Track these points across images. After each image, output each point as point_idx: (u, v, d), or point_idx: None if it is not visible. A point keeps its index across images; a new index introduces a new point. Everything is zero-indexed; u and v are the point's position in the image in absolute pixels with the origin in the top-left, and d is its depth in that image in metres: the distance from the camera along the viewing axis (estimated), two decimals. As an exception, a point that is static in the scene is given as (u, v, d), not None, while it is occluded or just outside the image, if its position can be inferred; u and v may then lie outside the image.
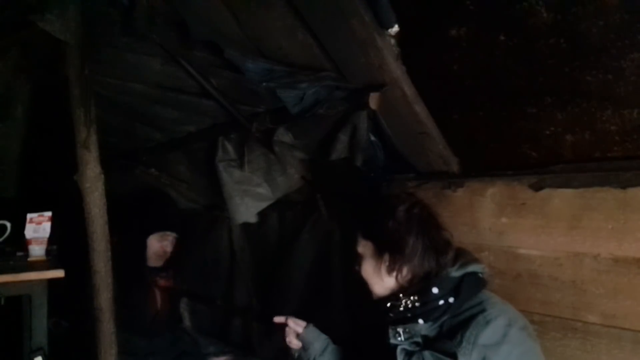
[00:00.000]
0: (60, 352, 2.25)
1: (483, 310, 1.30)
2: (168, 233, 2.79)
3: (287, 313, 2.54)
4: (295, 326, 1.64)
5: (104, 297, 1.96)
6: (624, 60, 1.20)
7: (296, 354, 1.65)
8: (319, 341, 1.62)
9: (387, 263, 1.43)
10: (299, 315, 2.54)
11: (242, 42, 1.91)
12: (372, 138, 1.88)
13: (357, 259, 1.52)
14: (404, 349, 1.37)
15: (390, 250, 1.43)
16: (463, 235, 1.67)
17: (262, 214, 2.49)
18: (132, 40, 2.06)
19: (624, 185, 1.34)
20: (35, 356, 1.97)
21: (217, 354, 2.80)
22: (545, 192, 1.51)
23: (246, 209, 2.42)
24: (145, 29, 1.94)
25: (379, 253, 1.46)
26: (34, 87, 2.76)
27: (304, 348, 1.62)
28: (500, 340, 1.25)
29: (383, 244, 1.45)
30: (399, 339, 1.38)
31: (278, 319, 1.68)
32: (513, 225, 1.60)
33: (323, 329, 1.56)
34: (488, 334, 1.25)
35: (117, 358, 2.01)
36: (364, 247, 1.50)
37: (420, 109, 1.70)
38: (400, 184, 1.95)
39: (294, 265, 2.52)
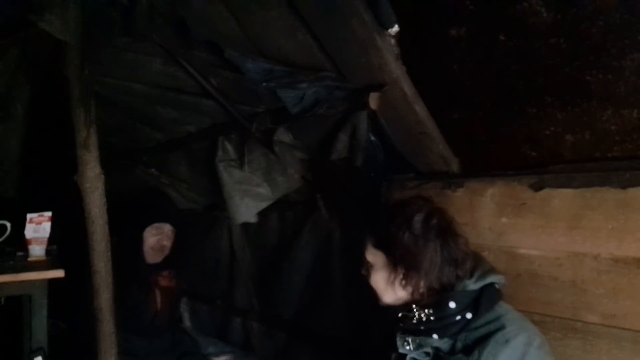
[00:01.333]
0: (59, 354, 2.25)
1: (502, 327, 1.24)
2: (163, 225, 2.74)
3: (288, 313, 2.56)
4: None
5: (104, 297, 1.96)
6: (624, 60, 1.20)
7: None
8: None
9: (401, 277, 1.34)
10: (299, 315, 2.55)
11: (242, 42, 1.91)
12: (372, 138, 1.87)
13: (365, 265, 1.43)
14: (413, 359, 1.33)
15: (406, 265, 1.32)
16: (463, 236, 1.66)
17: (262, 214, 2.49)
18: (132, 40, 2.06)
19: (624, 185, 1.34)
20: (35, 356, 1.97)
21: (217, 354, 2.80)
22: (545, 192, 1.51)
23: (246, 209, 2.41)
24: (145, 29, 1.94)
25: (392, 265, 1.35)
26: (34, 87, 2.76)
27: None
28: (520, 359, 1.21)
29: (397, 257, 1.34)
30: (408, 347, 1.33)
31: None
32: (513, 225, 1.60)
33: (323, 329, 1.54)
34: (508, 354, 1.20)
35: (117, 358, 2.01)
36: (375, 257, 1.39)
37: (420, 109, 1.69)
38: (400, 184, 1.95)
39: (294, 265, 2.52)
